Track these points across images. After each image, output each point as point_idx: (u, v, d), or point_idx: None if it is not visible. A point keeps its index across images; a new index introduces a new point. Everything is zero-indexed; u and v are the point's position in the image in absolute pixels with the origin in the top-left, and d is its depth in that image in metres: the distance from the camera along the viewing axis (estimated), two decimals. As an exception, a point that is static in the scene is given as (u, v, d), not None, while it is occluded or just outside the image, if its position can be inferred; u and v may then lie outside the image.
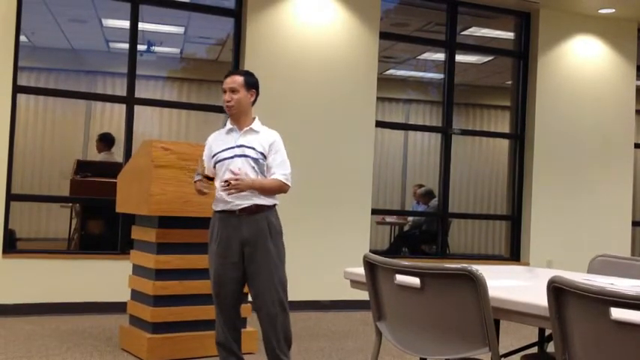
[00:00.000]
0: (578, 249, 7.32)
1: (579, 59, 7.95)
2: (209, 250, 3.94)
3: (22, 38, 6.22)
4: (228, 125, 3.93)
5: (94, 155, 10.02)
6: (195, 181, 3.87)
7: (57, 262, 6.11)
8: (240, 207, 3.80)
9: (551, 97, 7.83)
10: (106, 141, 7.78)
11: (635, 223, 8.36)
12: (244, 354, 4.16)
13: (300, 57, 6.80)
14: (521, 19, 7.96)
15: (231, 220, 3.82)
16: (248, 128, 3.89)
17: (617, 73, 8.09)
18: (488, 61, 9.55)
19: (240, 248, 3.82)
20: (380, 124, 7.46)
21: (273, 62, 6.70)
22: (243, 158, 3.82)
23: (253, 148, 3.85)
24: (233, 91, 3.86)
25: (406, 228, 9.68)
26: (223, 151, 3.85)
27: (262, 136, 3.91)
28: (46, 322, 5.58)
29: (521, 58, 7.97)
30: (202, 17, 7.71)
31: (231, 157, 3.82)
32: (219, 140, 3.93)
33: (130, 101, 6.48)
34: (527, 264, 7.42)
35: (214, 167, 3.89)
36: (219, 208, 3.87)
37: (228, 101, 3.85)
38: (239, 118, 3.90)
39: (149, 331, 4.51)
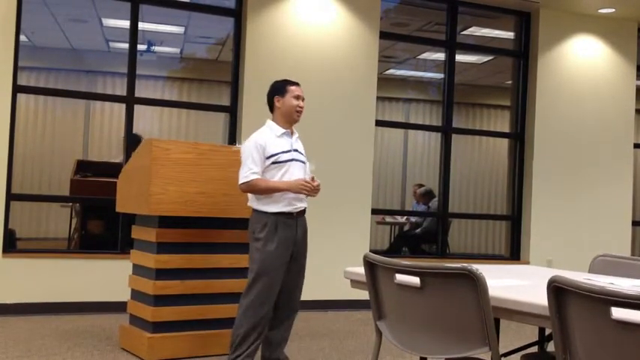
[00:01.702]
0: (578, 249, 7.34)
1: (579, 59, 7.95)
2: (263, 251, 3.99)
3: (22, 38, 6.21)
4: (279, 129, 4.10)
5: (95, 155, 10.07)
6: (300, 185, 4.00)
7: (57, 262, 6.10)
8: (298, 209, 4.06)
9: (551, 97, 7.83)
10: (130, 141, 7.73)
11: (635, 223, 8.35)
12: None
13: (301, 57, 6.80)
14: (522, 19, 7.96)
15: (288, 222, 4.02)
16: (297, 135, 4.22)
17: (617, 73, 8.09)
18: (489, 60, 9.55)
19: (292, 248, 4.05)
20: (380, 123, 7.45)
21: (274, 62, 6.69)
22: (297, 163, 4.09)
23: (302, 154, 4.19)
24: (303, 99, 4.20)
25: (406, 228, 9.68)
26: (283, 153, 4.05)
27: (300, 142, 4.27)
28: (46, 322, 5.58)
29: (521, 58, 7.97)
30: (202, 17, 7.70)
31: (290, 161, 4.07)
32: (273, 142, 4.05)
33: (130, 101, 6.48)
34: (527, 263, 7.42)
35: (269, 166, 4.02)
36: (276, 210, 4.00)
37: (301, 107, 4.17)
38: (292, 125, 4.19)
39: (149, 330, 4.51)
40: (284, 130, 4.12)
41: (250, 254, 4.07)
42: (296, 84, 4.24)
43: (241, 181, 3.98)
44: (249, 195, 4.09)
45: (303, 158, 4.18)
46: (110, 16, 8.50)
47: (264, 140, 4.02)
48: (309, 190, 4.00)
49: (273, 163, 4.00)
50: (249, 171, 3.95)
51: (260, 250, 3.98)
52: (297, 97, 4.17)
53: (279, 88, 4.22)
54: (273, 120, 4.18)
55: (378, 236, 10.25)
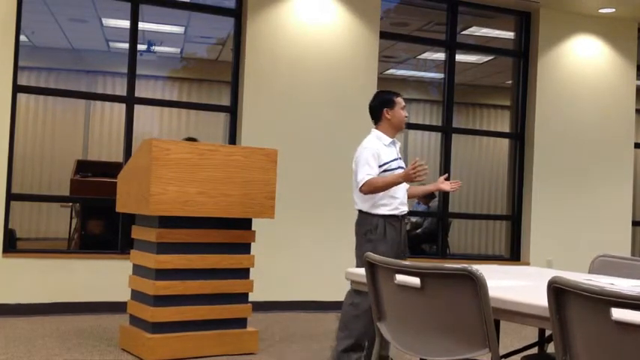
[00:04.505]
0: (578, 249, 7.33)
1: (579, 59, 7.94)
2: (376, 251, 3.94)
3: (22, 38, 6.21)
4: (387, 138, 4.35)
5: (95, 155, 10.07)
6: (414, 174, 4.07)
7: (57, 262, 6.10)
8: (403, 213, 4.28)
9: (551, 97, 7.83)
10: None
11: (635, 223, 8.35)
12: (244, 354, 4.17)
13: (301, 56, 6.80)
14: (522, 19, 7.96)
15: (395, 224, 4.23)
16: (399, 144, 4.47)
17: (617, 73, 8.08)
18: (489, 60, 9.55)
19: (396, 249, 4.21)
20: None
21: (274, 62, 6.69)
22: (402, 170, 4.24)
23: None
24: None
25: (407, 228, 9.66)
26: (392, 161, 4.29)
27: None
28: (46, 322, 5.58)
29: (522, 58, 7.97)
30: (202, 17, 7.69)
31: (398, 168, 4.27)
32: (385, 151, 4.29)
33: (130, 101, 6.48)
34: (527, 264, 7.42)
35: (381, 174, 4.20)
36: (386, 212, 4.19)
37: (407, 117, 4.44)
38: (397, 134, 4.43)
39: (149, 331, 4.50)
40: (391, 140, 4.37)
41: (359, 255, 4.13)
42: (400, 95, 4.45)
43: (360, 184, 4.13)
44: (358, 198, 4.24)
45: (404, 165, 4.35)
46: (110, 16, 8.50)
47: (377, 149, 4.25)
48: (420, 171, 4.05)
49: (385, 170, 4.21)
50: (364, 173, 4.13)
51: (373, 251, 4.00)
52: (403, 108, 4.40)
53: (388, 101, 4.41)
54: (379, 129, 4.40)
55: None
